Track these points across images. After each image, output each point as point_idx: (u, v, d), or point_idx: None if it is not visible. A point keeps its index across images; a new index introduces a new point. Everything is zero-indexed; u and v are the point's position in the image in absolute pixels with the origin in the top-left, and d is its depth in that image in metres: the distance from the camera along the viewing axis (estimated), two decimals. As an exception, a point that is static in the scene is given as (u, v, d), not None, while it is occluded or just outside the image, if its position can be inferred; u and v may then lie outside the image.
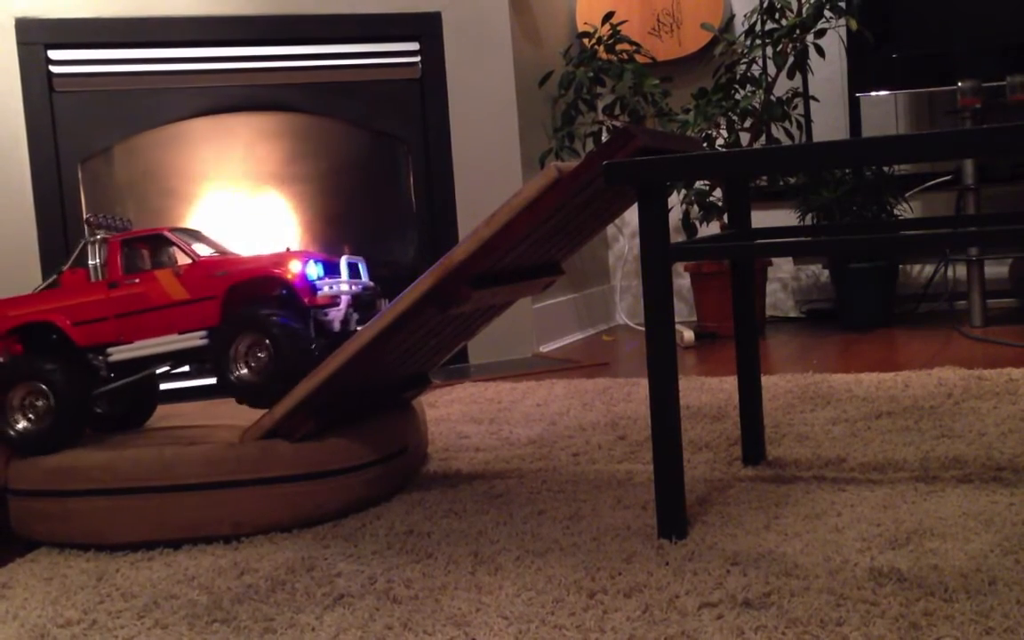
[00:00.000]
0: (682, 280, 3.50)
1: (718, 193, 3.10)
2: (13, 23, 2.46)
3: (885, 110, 3.33)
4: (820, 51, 3.02)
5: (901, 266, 3.24)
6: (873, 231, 1.75)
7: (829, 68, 3.25)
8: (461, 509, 1.43)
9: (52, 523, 1.43)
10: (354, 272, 1.56)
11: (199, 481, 1.39)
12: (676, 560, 1.15)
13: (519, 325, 2.90)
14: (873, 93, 3.14)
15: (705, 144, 3.01)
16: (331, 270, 1.51)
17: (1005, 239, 1.34)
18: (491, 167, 2.89)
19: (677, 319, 3.19)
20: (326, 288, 1.48)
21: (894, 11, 2.99)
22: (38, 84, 2.48)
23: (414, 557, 1.25)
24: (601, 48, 3.17)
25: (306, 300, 1.47)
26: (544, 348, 3.10)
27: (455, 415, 2.12)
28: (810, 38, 3.00)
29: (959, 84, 2.82)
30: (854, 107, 3.34)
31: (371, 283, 1.59)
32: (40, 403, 1.46)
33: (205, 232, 1.63)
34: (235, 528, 1.39)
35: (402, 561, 1.23)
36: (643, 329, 1.27)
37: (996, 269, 3.14)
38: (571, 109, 3.17)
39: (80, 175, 2.53)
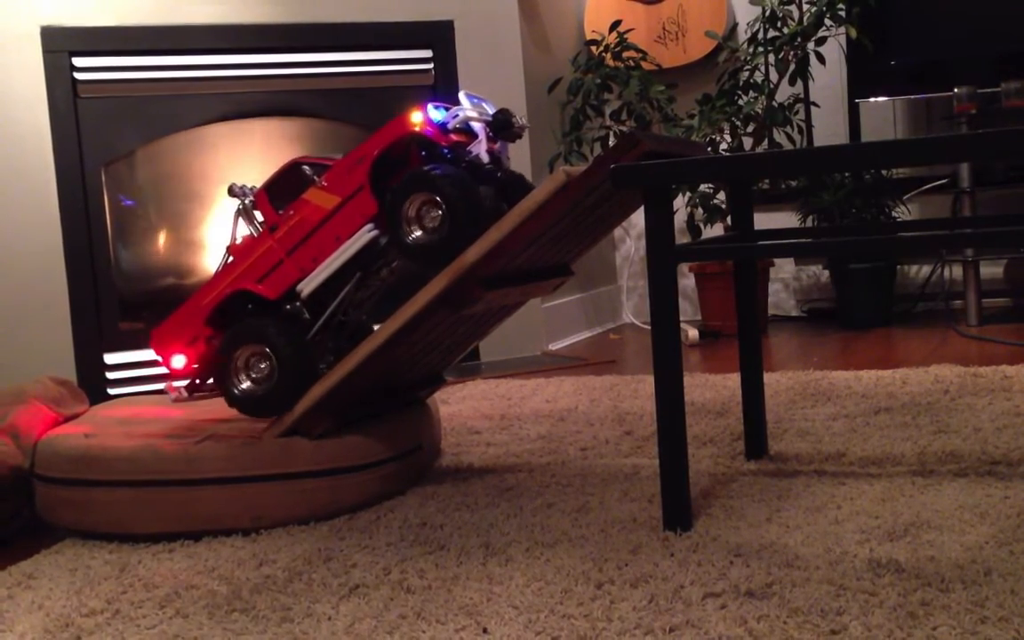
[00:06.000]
0: (687, 280, 3.52)
1: (722, 196, 3.12)
2: (39, 31, 2.47)
3: (884, 115, 3.35)
4: (821, 58, 3.04)
5: (899, 266, 3.25)
6: (872, 233, 1.77)
7: (829, 75, 3.26)
8: (473, 502, 1.44)
9: (77, 511, 1.44)
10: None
11: (221, 476, 1.40)
12: (681, 551, 1.17)
13: (529, 324, 2.92)
14: (872, 99, 3.16)
15: (709, 148, 3.03)
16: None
17: (1000, 240, 1.37)
18: (501, 171, 2.92)
19: (682, 318, 3.21)
20: (454, 123, 1.44)
21: (892, 20, 3.01)
22: (63, 90, 2.49)
23: (427, 549, 1.26)
24: (608, 55, 3.19)
25: (443, 142, 1.42)
26: (553, 346, 3.12)
27: (467, 411, 2.13)
28: (811, 46, 3.02)
29: (955, 91, 2.84)
30: (853, 113, 3.36)
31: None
32: (264, 364, 1.46)
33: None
34: (255, 521, 1.41)
35: (415, 552, 1.25)
36: (649, 328, 1.29)
37: (991, 269, 3.15)
38: (579, 115, 3.19)
39: (104, 178, 2.55)
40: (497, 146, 1.50)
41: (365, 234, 1.45)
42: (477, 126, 1.47)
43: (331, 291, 1.49)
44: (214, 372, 1.51)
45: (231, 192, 1.54)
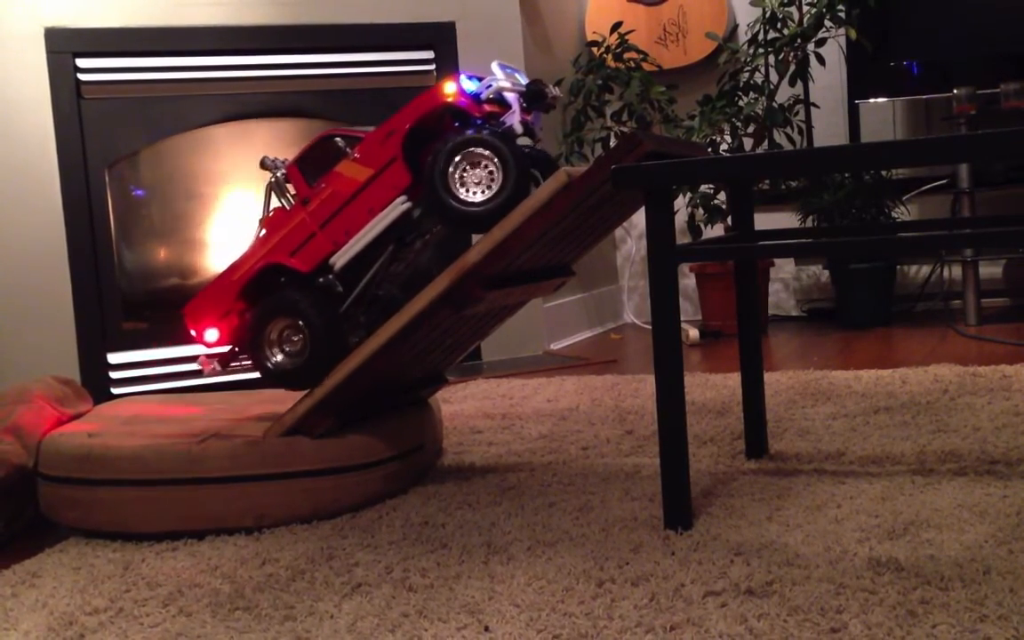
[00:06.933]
0: (687, 280, 3.53)
1: (722, 196, 3.12)
2: (43, 32, 2.48)
3: (883, 116, 3.36)
4: (820, 59, 3.05)
5: (899, 267, 3.26)
6: (872, 233, 1.78)
7: (829, 76, 3.27)
8: (475, 501, 1.45)
9: (80, 510, 1.45)
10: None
11: (224, 475, 1.41)
12: (682, 550, 1.17)
13: (530, 324, 2.93)
14: (872, 100, 3.17)
15: (709, 149, 3.04)
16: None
17: (999, 240, 1.37)
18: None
19: (682, 318, 3.21)
20: (487, 93, 1.42)
21: (892, 21, 3.02)
22: (67, 91, 2.49)
23: (429, 547, 1.27)
24: (609, 57, 3.19)
25: (476, 113, 1.41)
26: (554, 346, 3.13)
27: (469, 411, 2.13)
28: (811, 47, 3.03)
29: (955, 92, 2.85)
30: (853, 113, 3.36)
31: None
32: (297, 337, 1.46)
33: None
34: (258, 520, 1.41)
35: (418, 551, 1.26)
36: (650, 327, 1.29)
37: (990, 269, 3.16)
38: (580, 115, 3.19)
39: (107, 179, 2.56)
40: (530, 117, 1.49)
41: (398, 206, 1.44)
42: (510, 96, 1.45)
43: (364, 264, 1.48)
44: (247, 345, 1.50)
45: (263, 165, 1.53)
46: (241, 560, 1.28)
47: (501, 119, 1.46)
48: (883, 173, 3.11)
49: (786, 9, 3.04)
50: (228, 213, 2.77)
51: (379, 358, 1.43)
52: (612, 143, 3.19)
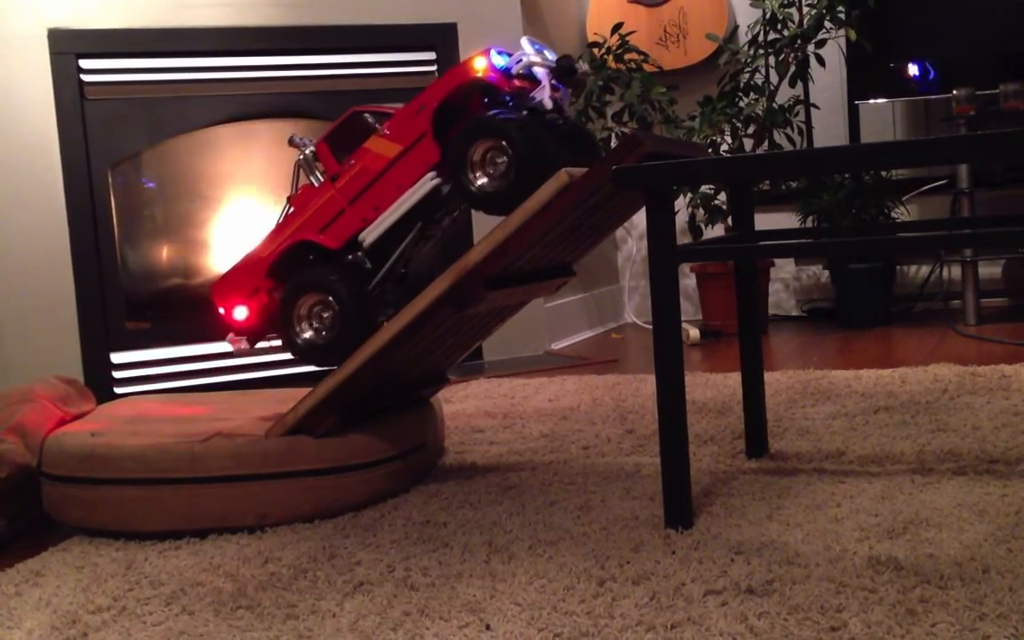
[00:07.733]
0: (688, 280, 3.53)
1: (723, 197, 3.13)
2: (46, 33, 2.49)
3: (883, 117, 3.37)
4: (820, 60, 3.06)
5: (898, 267, 3.27)
6: (871, 233, 1.78)
7: (829, 77, 3.28)
8: (476, 500, 1.45)
9: (84, 509, 1.45)
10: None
11: (227, 474, 1.41)
12: (682, 549, 1.17)
13: (532, 323, 2.94)
14: (871, 101, 3.18)
15: (710, 150, 3.04)
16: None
17: (998, 240, 1.38)
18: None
19: (683, 318, 3.21)
20: (518, 67, 1.42)
21: (892, 22, 3.03)
22: (70, 92, 2.50)
23: (431, 546, 1.27)
24: (610, 57, 3.19)
25: (506, 88, 1.40)
26: (556, 345, 3.13)
27: (470, 410, 2.14)
28: (811, 48, 3.03)
29: (954, 92, 2.86)
30: (853, 114, 3.37)
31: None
32: (326, 314, 1.46)
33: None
34: (260, 519, 1.41)
35: (419, 550, 1.26)
36: (651, 327, 1.30)
37: (990, 269, 3.17)
38: (581, 116, 3.19)
39: (110, 179, 2.56)
40: (559, 93, 1.48)
41: (427, 182, 1.44)
42: (540, 72, 1.44)
43: (393, 240, 1.48)
44: (277, 322, 1.50)
45: (291, 143, 1.53)
46: (243, 559, 1.29)
47: (531, 94, 1.45)
48: (883, 173, 3.11)
49: (786, 10, 3.05)
50: (231, 213, 2.77)
51: (382, 357, 1.43)
52: (613, 144, 3.20)
